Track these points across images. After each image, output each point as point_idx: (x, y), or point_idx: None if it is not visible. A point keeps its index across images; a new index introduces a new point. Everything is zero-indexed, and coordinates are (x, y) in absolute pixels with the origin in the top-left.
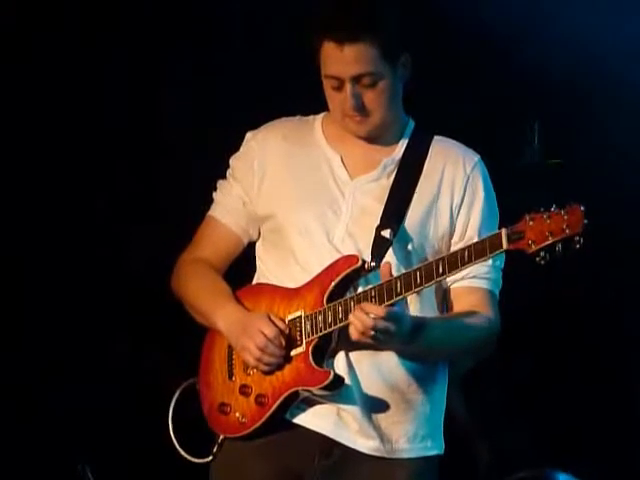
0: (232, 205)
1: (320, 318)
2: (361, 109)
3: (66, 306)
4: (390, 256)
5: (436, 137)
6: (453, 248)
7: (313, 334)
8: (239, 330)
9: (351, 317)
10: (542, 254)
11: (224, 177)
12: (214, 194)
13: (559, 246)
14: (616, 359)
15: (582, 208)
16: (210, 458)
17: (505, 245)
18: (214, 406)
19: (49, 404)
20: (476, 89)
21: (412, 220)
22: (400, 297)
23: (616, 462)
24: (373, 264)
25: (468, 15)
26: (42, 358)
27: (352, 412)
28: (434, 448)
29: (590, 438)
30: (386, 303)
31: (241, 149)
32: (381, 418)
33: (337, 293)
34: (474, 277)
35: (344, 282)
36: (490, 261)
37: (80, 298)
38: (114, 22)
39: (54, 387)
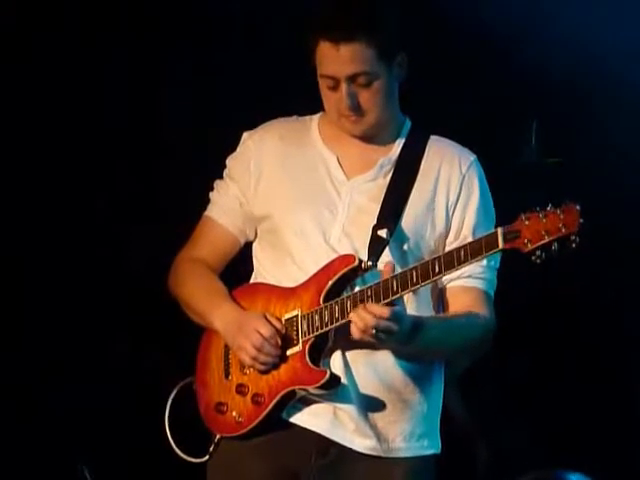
0: (229, 205)
1: (317, 317)
2: (357, 109)
3: (66, 306)
4: (386, 255)
5: (432, 137)
6: (448, 247)
7: (309, 333)
8: (235, 329)
9: (353, 315)
10: (538, 253)
11: (222, 177)
12: (211, 194)
13: (555, 245)
14: (614, 357)
15: (578, 207)
16: (207, 457)
17: (501, 244)
18: (211, 405)
19: (49, 404)
20: (476, 89)
21: (409, 219)
22: (396, 296)
23: (615, 461)
24: (370, 263)
25: (468, 15)
26: (42, 358)
27: (348, 411)
28: (431, 447)
29: (588, 437)
30: (382, 302)
31: (238, 149)
32: (377, 417)
33: (334, 292)
34: (469, 277)
35: (341, 281)
36: (485, 261)
37: (80, 298)
38: (114, 22)
39: (54, 387)
